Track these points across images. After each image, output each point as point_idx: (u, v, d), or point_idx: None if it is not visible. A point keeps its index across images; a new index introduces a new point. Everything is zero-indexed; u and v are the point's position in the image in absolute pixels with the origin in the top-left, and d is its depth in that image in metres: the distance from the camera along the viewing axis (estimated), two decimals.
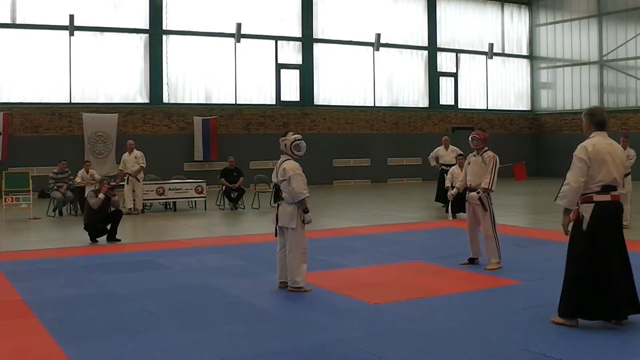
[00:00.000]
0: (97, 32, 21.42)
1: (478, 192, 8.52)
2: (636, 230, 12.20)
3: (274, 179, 7.57)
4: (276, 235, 7.55)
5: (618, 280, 5.68)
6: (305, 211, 7.26)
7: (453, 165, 14.39)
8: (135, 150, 15.93)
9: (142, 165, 15.71)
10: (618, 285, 5.67)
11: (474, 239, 8.82)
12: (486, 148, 8.78)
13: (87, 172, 15.74)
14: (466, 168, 8.97)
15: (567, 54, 28.36)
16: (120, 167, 16.16)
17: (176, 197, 16.42)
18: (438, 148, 16.22)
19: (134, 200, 15.63)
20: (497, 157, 8.67)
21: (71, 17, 20.59)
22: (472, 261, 8.86)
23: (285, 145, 7.42)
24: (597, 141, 5.76)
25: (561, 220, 5.87)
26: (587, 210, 5.69)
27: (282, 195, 7.34)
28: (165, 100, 22.42)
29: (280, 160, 7.47)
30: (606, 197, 5.71)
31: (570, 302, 5.75)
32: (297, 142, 7.41)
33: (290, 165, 7.28)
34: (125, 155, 15.98)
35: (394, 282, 7.91)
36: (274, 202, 7.60)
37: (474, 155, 8.83)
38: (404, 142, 26.22)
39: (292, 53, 24.62)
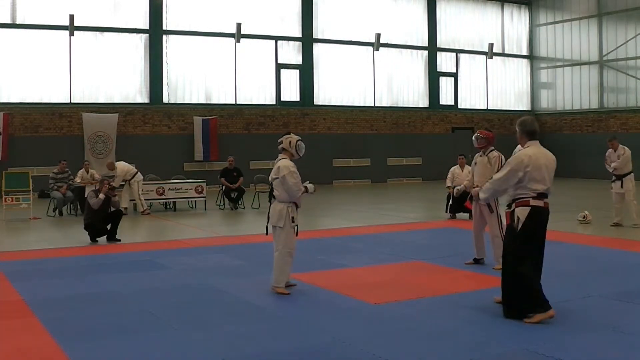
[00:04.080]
0: (97, 32, 21.41)
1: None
2: (636, 230, 12.21)
3: (271, 178, 7.60)
4: (267, 233, 7.56)
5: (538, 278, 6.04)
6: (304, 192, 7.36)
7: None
8: (117, 164, 15.66)
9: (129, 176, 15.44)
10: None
11: (480, 239, 8.77)
12: (492, 148, 8.76)
13: (87, 172, 15.74)
14: (473, 168, 8.95)
15: (567, 54, 28.35)
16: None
17: (176, 197, 16.43)
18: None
19: (132, 200, 15.64)
20: (503, 157, 8.61)
21: (71, 17, 20.59)
22: (477, 261, 8.83)
23: (290, 143, 7.46)
24: (534, 152, 6.09)
25: (473, 193, 6.73)
26: (522, 214, 6.01)
27: (274, 193, 7.37)
28: (165, 100, 22.41)
29: (277, 159, 7.51)
30: (540, 203, 6.04)
31: (525, 298, 5.95)
32: (300, 141, 7.51)
33: (284, 164, 7.33)
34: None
35: (394, 282, 7.91)
36: (269, 201, 7.63)
37: (480, 155, 8.81)
38: (404, 142, 26.22)
39: (292, 53, 24.61)
